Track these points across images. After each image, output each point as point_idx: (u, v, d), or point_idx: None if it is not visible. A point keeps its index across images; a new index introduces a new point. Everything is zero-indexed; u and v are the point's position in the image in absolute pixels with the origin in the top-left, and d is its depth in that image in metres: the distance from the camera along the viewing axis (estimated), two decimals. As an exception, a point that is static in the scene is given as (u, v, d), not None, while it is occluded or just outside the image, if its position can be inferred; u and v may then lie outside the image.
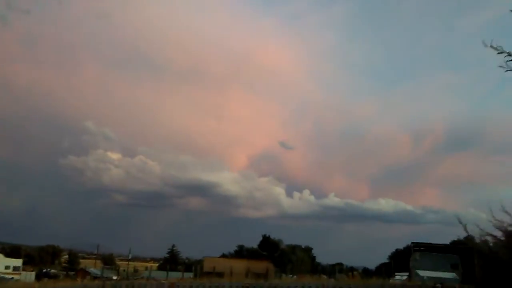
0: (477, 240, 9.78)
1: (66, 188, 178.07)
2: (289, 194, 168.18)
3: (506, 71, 3.91)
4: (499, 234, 9.29)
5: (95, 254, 79.60)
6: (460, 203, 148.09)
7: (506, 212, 9.12)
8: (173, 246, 76.55)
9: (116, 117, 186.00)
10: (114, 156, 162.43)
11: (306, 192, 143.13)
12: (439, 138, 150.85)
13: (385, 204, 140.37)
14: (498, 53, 4.00)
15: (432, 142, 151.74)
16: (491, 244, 9.39)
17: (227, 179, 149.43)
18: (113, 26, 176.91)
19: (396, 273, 53.64)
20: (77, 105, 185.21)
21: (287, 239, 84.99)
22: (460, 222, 10.17)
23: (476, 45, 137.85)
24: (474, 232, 9.81)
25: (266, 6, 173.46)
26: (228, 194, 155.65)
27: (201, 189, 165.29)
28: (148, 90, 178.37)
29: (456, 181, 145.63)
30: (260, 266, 43.42)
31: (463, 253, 32.87)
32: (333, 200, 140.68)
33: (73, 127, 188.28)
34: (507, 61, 3.96)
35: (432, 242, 37.16)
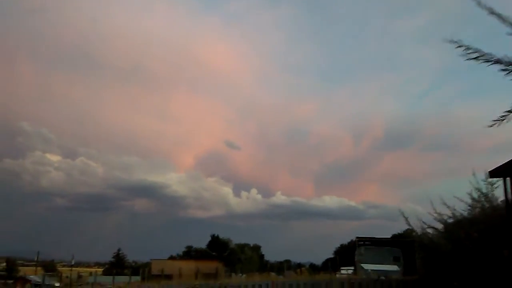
0: (419, 233, 10.33)
1: (2, 193, 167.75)
2: (236, 193, 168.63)
3: (466, 60, 4.36)
4: (439, 226, 9.89)
5: (35, 261, 75.66)
6: (398, 198, 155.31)
7: (446, 205, 9.71)
8: (119, 249, 74.54)
9: (55, 117, 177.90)
10: (54, 158, 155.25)
11: (254, 191, 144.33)
12: (378, 136, 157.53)
13: (330, 200, 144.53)
14: (457, 46, 4.37)
15: (371, 140, 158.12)
16: (431, 237, 9.97)
17: (174, 180, 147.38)
18: (50, 22, 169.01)
19: (341, 268, 55.28)
20: (11, 106, 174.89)
21: (236, 238, 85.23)
22: (403, 216, 10.67)
23: (411, 47, 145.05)
24: (416, 225, 10.37)
25: (210, 5, 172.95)
26: (175, 195, 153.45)
27: (147, 191, 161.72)
28: (89, 90, 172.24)
29: (395, 177, 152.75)
30: (209, 266, 43.23)
31: (404, 246, 34.45)
32: (279, 198, 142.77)
33: (7, 129, 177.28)
34: (467, 53, 4.37)
35: (375, 236, 38.55)
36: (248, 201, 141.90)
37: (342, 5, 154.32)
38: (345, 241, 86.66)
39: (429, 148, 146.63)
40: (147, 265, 55.00)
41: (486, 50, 4.34)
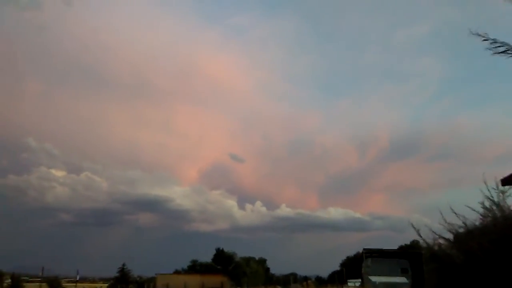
0: (431, 244, 10.04)
1: (7, 209, 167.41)
2: (241, 206, 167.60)
3: (493, 54, 4.18)
4: (451, 237, 9.59)
5: (39, 277, 75.11)
6: (404, 209, 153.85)
7: (456, 214, 9.44)
8: (124, 264, 73.73)
9: (59, 132, 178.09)
10: (58, 173, 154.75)
11: (258, 204, 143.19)
12: (382, 147, 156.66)
13: (335, 212, 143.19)
14: (484, 40, 4.20)
15: (376, 151, 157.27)
16: (444, 248, 9.69)
17: (178, 194, 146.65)
18: (54, 38, 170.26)
19: (348, 280, 54.63)
20: (16, 121, 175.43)
21: (241, 251, 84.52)
22: (413, 226, 10.40)
23: (414, 57, 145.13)
24: (426, 236, 10.10)
25: (211, 19, 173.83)
26: (180, 209, 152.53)
27: (151, 205, 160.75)
28: (92, 105, 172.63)
29: (400, 188, 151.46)
30: (215, 280, 42.90)
31: (412, 257, 33.95)
32: (284, 210, 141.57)
33: (11, 144, 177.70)
34: (492, 47, 4.21)
35: (382, 248, 38.08)
36: (253, 213, 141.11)
37: (343, 17, 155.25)
38: (351, 253, 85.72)
39: (434, 158, 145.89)
40: (152, 280, 54.53)
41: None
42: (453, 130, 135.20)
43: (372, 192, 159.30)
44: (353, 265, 66.32)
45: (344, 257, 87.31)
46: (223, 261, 74.72)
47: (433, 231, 9.74)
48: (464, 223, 9.27)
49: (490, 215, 9.03)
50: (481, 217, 9.17)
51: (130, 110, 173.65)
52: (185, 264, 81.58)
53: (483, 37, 4.22)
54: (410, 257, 34.65)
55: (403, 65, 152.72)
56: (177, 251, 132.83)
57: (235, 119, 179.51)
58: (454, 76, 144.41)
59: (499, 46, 4.19)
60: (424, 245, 10.43)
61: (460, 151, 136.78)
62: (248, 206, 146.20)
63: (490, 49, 4.18)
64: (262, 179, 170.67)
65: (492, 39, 4.18)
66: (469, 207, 9.37)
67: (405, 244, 69.05)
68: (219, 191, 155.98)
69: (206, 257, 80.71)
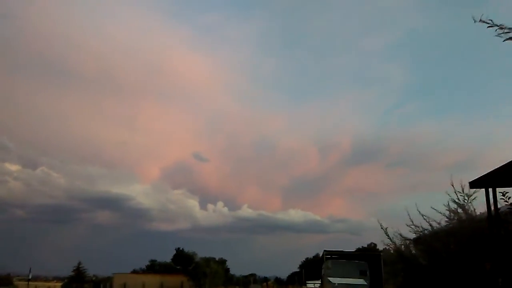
0: (398, 245, 10.17)
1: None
2: (203, 206, 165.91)
3: (504, 40, 4.14)
4: (416, 238, 9.74)
5: (-11, 275, 71.73)
6: (362, 212, 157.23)
7: (423, 216, 9.61)
8: (79, 263, 71.51)
9: (14, 125, 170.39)
10: (12, 167, 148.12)
11: (220, 204, 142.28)
12: (345, 151, 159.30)
13: (295, 214, 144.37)
14: (489, 26, 4.16)
15: (338, 155, 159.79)
16: (410, 249, 9.82)
17: (139, 192, 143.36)
18: (16, 29, 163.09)
19: (307, 281, 55.16)
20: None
21: (202, 251, 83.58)
22: (381, 227, 10.53)
23: (379, 64, 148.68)
24: (396, 238, 10.22)
25: (180, 17, 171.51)
26: (140, 207, 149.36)
27: (110, 202, 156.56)
28: (52, 98, 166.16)
29: (359, 192, 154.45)
30: (174, 280, 42.21)
31: (371, 259, 34.58)
32: (246, 211, 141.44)
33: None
34: (498, 34, 4.17)
35: (342, 250, 38.54)
36: (215, 214, 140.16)
37: (313, 21, 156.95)
38: (310, 255, 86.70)
39: (393, 164, 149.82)
40: (109, 279, 53.11)
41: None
42: (413, 137, 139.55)
43: (332, 196, 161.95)
44: (312, 267, 67.06)
45: (303, 259, 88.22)
46: (183, 261, 73.70)
47: (399, 233, 9.90)
48: (430, 224, 9.47)
49: (455, 217, 9.25)
50: (446, 219, 9.40)
51: (92, 105, 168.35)
52: (143, 263, 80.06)
53: (489, 24, 4.20)
54: (369, 259, 35.28)
55: (368, 71, 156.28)
56: (136, 251, 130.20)
57: (200, 119, 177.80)
58: (417, 84, 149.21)
59: (507, 32, 4.17)
60: (391, 246, 10.58)
61: (418, 158, 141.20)
62: (210, 206, 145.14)
63: (499, 36, 4.14)
64: (225, 180, 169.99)
65: (499, 25, 4.16)
66: (435, 209, 9.60)
67: (363, 247, 70.57)
68: (181, 191, 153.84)
69: (166, 257, 79.46)
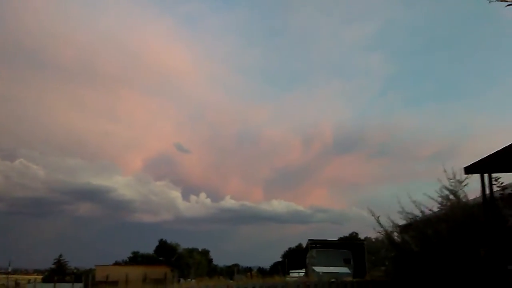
0: (389, 232, 10.13)
1: None
2: (185, 197, 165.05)
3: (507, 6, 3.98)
4: (407, 225, 9.72)
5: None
6: (344, 202, 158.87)
7: (415, 203, 9.56)
8: (60, 255, 70.75)
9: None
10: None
11: (203, 195, 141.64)
12: (327, 141, 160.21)
13: (278, 205, 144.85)
14: (508, 5, 4.00)
15: (320, 145, 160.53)
16: (402, 235, 9.80)
17: (121, 183, 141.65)
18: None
19: (290, 271, 55.51)
20: None
21: (185, 243, 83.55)
22: (372, 215, 10.46)
23: (360, 54, 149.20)
24: (386, 225, 10.18)
25: (163, 7, 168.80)
26: (122, 199, 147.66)
27: (91, 194, 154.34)
28: (31, 88, 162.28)
29: (342, 182, 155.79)
30: (158, 271, 41.80)
31: (354, 248, 34.98)
32: (229, 202, 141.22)
33: None
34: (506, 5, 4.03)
35: (326, 239, 38.91)
36: (197, 205, 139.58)
37: (294, 11, 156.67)
38: (293, 244, 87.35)
39: (375, 154, 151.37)
40: (91, 271, 52.47)
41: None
42: (394, 128, 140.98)
43: (314, 186, 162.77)
44: (295, 256, 67.57)
45: (286, 249, 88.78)
46: (166, 253, 73.62)
47: (391, 220, 9.85)
48: (421, 211, 9.43)
49: (447, 203, 9.22)
50: (438, 205, 9.36)
51: (72, 95, 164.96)
52: (126, 255, 79.71)
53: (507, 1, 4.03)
54: (352, 248, 35.66)
55: (350, 62, 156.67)
56: (118, 243, 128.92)
57: (183, 109, 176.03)
58: (398, 75, 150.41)
59: None
60: (382, 233, 10.52)
61: (399, 148, 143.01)
62: (193, 198, 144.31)
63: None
64: (208, 171, 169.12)
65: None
66: (427, 195, 9.55)
67: (345, 236, 71.41)
68: (163, 182, 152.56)
69: (148, 248, 79.25)
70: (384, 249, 11.17)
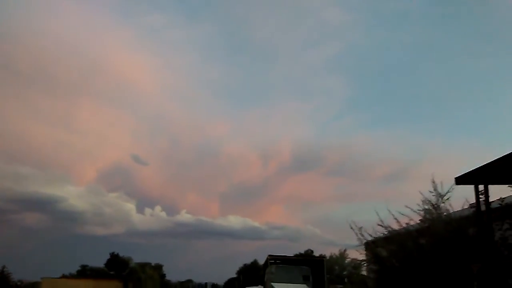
0: (373, 247, 9.77)
1: None
2: (140, 210, 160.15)
3: None
4: (386, 239, 9.40)
5: None
6: (299, 219, 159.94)
7: (394, 216, 9.28)
8: (3, 267, 66.32)
9: None
10: None
11: (158, 208, 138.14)
12: (285, 160, 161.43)
13: (234, 220, 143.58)
14: None
15: (278, 163, 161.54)
16: (383, 248, 9.48)
17: (72, 194, 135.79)
18: None
19: (246, 287, 54.60)
20: None
21: (137, 257, 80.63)
22: (351, 228, 10.09)
23: (321, 76, 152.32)
24: (365, 237, 9.83)
25: (126, 16, 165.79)
26: (72, 210, 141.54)
27: (40, 204, 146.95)
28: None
29: (297, 200, 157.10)
30: (108, 285, 39.90)
31: (314, 265, 34.70)
32: (184, 216, 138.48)
33: None
34: None
35: (286, 255, 38.42)
36: (152, 218, 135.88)
37: (258, 30, 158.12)
38: (248, 261, 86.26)
39: (332, 174, 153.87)
40: (36, 284, 49.43)
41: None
42: (350, 148, 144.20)
43: (271, 203, 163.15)
44: (250, 273, 66.66)
45: (241, 265, 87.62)
46: (117, 266, 70.71)
47: (369, 234, 9.51)
48: (400, 224, 9.16)
49: (429, 216, 8.99)
50: (421, 218, 9.12)
51: (25, 102, 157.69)
52: (74, 269, 76.02)
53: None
54: (312, 264, 35.34)
55: (310, 83, 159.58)
56: (67, 255, 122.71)
57: (141, 121, 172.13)
58: (356, 98, 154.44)
59: None
60: (362, 247, 10.17)
61: (354, 168, 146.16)
62: (147, 210, 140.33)
63: None
64: (164, 184, 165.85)
65: None
66: (409, 208, 9.29)
67: (300, 253, 71.31)
68: (117, 193, 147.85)
69: (99, 262, 75.92)
70: (363, 263, 10.81)
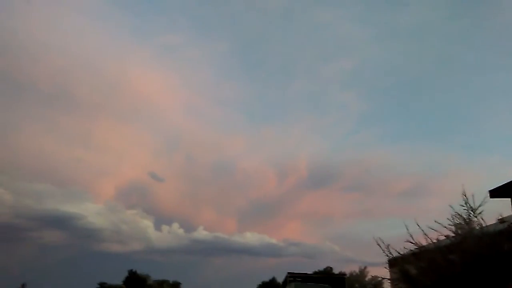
0: (400, 262, 9.41)
1: None
2: (157, 227, 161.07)
3: None
4: (415, 255, 9.06)
5: None
6: (317, 236, 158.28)
7: (425, 234, 8.92)
8: (23, 284, 66.80)
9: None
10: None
11: (175, 225, 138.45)
12: (301, 175, 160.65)
13: (251, 237, 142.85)
14: None
15: (295, 179, 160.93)
16: (411, 267, 9.11)
17: (91, 211, 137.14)
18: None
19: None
20: None
21: (155, 274, 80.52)
22: (378, 244, 9.76)
23: (337, 91, 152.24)
24: (396, 253, 9.47)
25: (143, 36, 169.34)
26: (91, 227, 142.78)
27: (59, 221, 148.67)
28: (1, 110, 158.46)
29: (315, 216, 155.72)
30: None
31: (334, 282, 34.15)
32: (201, 233, 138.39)
33: None
34: None
35: (306, 273, 38.04)
36: (169, 235, 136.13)
37: (274, 45, 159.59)
38: (266, 278, 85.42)
39: (349, 189, 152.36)
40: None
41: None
42: (367, 163, 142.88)
43: (288, 219, 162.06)
44: (269, 290, 65.85)
45: (259, 282, 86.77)
46: (136, 284, 70.58)
47: (396, 251, 9.17)
48: (430, 240, 8.81)
49: (460, 232, 8.63)
50: (453, 234, 8.76)
51: (45, 120, 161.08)
52: (92, 286, 76.06)
53: None
54: (332, 282, 34.83)
55: (326, 97, 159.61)
56: (85, 272, 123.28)
57: (159, 138, 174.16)
58: (372, 112, 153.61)
59: None
60: (385, 264, 9.83)
61: (371, 184, 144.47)
62: (165, 227, 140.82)
63: None
64: (182, 201, 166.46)
65: None
66: (439, 223, 8.94)
67: (319, 270, 70.32)
68: (135, 211, 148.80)
69: (117, 279, 75.88)
70: (389, 281, 10.40)
